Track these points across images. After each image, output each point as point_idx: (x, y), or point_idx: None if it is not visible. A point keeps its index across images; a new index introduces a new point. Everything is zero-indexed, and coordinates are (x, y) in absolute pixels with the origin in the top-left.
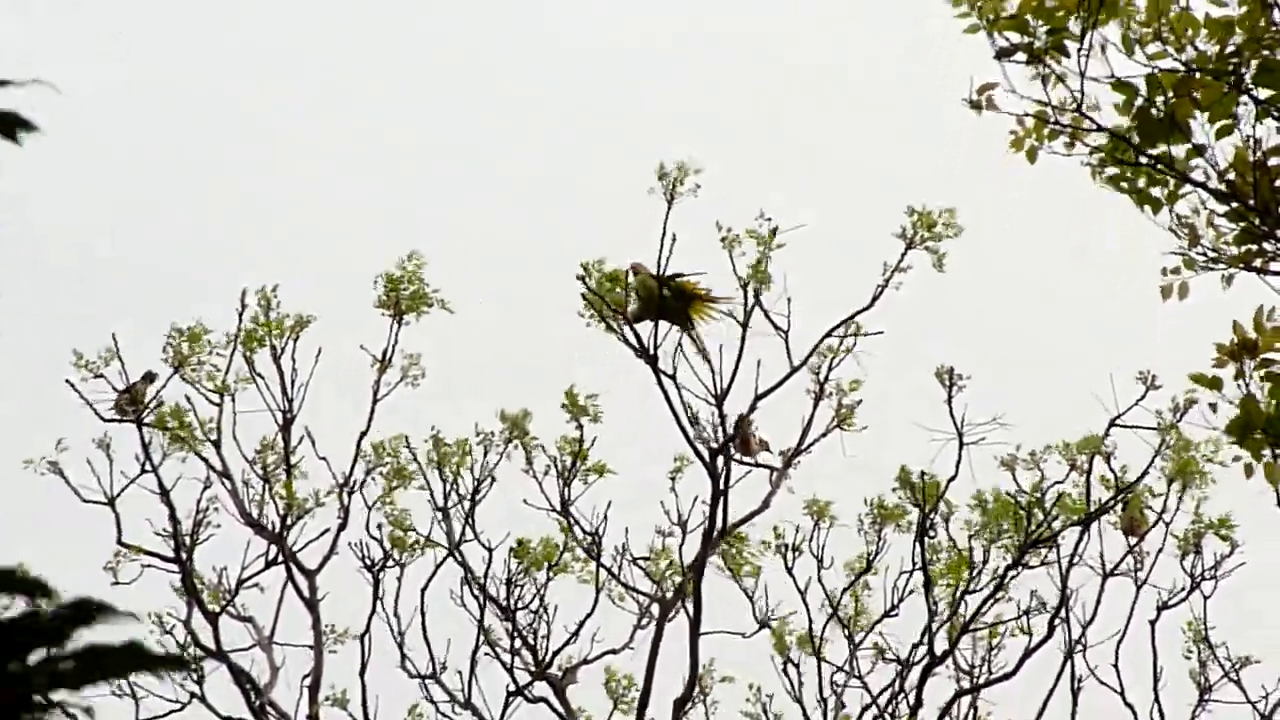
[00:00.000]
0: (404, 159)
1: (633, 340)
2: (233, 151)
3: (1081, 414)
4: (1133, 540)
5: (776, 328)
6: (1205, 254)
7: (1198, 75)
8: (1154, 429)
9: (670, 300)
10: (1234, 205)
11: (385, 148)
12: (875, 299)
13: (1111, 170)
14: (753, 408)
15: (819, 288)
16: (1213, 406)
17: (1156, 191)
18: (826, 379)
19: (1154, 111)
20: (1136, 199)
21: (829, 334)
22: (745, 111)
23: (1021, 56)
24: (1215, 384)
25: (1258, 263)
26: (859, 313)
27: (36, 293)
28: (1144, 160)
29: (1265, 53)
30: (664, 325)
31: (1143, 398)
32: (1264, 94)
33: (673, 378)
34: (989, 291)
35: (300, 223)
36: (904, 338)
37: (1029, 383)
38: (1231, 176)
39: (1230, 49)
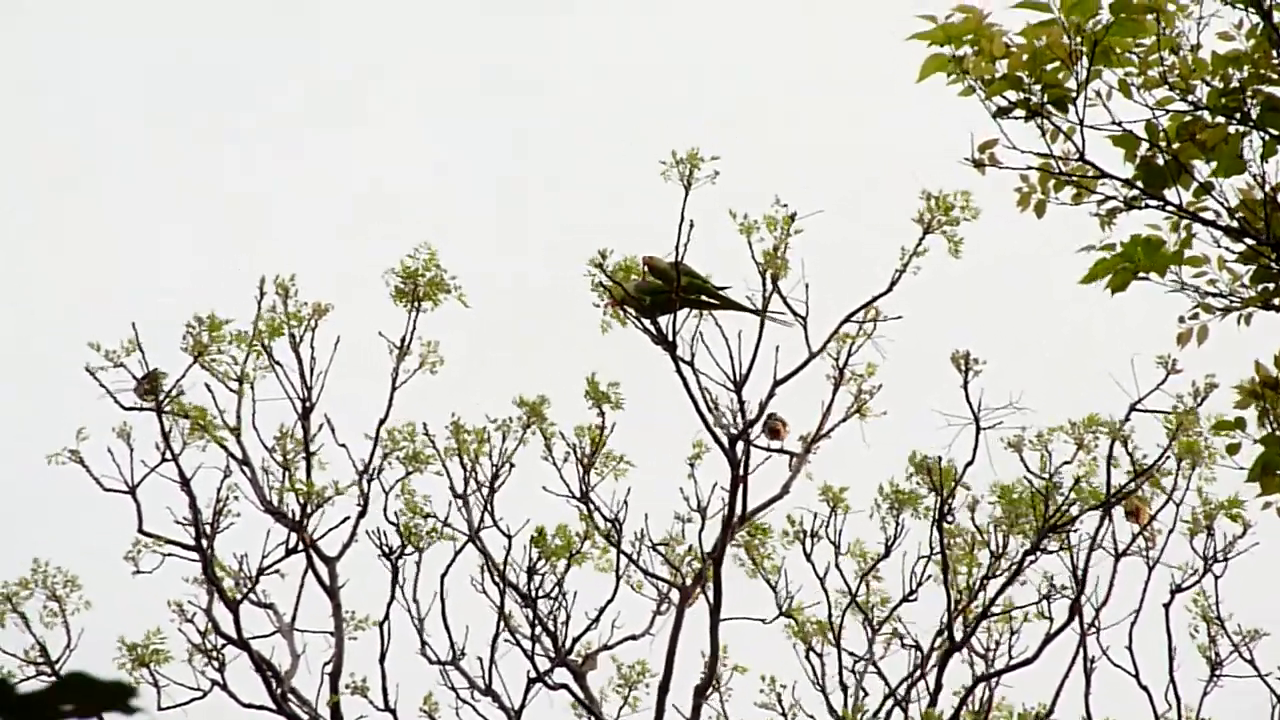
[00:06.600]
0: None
1: (649, 328)
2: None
3: (1102, 399)
4: (1136, 527)
5: (795, 314)
6: (1222, 296)
7: (1205, 117)
8: (1172, 412)
9: (687, 289)
10: (1248, 243)
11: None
12: (894, 283)
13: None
14: (771, 394)
15: (821, 279)
16: (1232, 449)
17: (1168, 239)
18: (846, 364)
19: (1158, 160)
20: (1146, 259)
21: (847, 319)
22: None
23: (1020, 113)
24: (1239, 425)
25: (1276, 300)
26: (877, 298)
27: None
28: (1152, 204)
29: (1271, 90)
30: (682, 313)
31: (1163, 382)
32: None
33: (690, 364)
34: (1007, 274)
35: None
36: (925, 322)
37: (1050, 367)
38: (1242, 214)
39: (1234, 85)
